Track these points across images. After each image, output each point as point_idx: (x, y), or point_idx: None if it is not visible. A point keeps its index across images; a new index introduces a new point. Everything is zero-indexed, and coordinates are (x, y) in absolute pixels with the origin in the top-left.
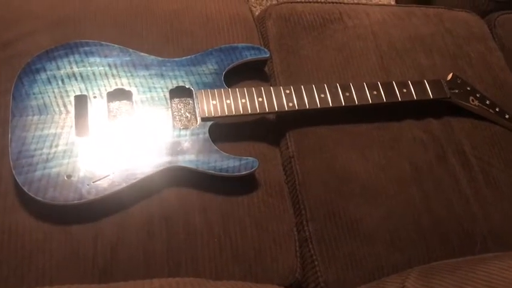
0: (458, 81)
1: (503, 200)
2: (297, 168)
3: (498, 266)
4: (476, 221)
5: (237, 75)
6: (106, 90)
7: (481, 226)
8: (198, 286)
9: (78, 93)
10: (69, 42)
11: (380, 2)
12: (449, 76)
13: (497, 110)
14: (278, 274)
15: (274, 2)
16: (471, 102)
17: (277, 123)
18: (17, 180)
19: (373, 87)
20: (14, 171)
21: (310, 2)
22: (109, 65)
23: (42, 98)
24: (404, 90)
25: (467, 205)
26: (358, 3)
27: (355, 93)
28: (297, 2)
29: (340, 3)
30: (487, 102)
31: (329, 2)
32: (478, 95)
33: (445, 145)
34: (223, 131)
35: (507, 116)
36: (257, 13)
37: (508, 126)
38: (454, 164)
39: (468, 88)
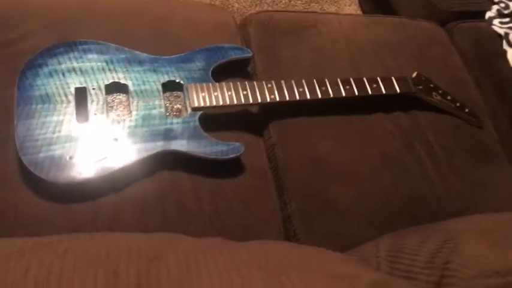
0: (423, 79)
1: (464, 182)
2: (280, 154)
3: (456, 220)
4: (440, 201)
5: (222, 75)
6: (104, 83)
7: (445, 205)
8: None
9: (78, 85)
10: (68, 41)
11: (349, 13)
12: (414, 74)
13: (457, 104)
14: None
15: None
16: (434, 97)
17: (260, 115)
18: (23, 161)
19: (346, 82)
20: (20, 153)
21: (286, 12)
22: (106, 61)
23: (45, 89)
24: (374, 85)
25: (433, 187)
26: (330, 13)
27: (330, 87)
28: (275, 11)
29: (314, 12)
30: (448, 97)
31: (304, 12)
32: (440, 91)
33: (412, 135)
34: (212, 123)
35: (466, 110)
36: (238, 22)
37: (467, 119)
38: (420, 152)
39: (431, 85)
